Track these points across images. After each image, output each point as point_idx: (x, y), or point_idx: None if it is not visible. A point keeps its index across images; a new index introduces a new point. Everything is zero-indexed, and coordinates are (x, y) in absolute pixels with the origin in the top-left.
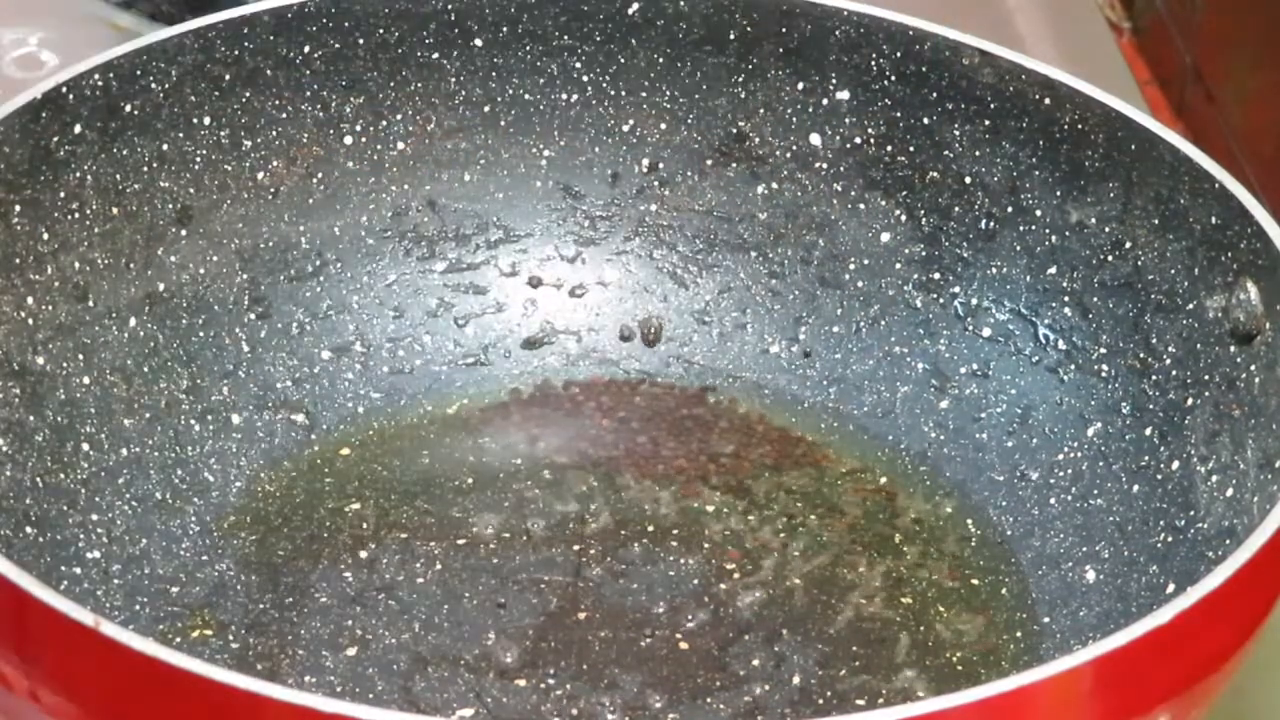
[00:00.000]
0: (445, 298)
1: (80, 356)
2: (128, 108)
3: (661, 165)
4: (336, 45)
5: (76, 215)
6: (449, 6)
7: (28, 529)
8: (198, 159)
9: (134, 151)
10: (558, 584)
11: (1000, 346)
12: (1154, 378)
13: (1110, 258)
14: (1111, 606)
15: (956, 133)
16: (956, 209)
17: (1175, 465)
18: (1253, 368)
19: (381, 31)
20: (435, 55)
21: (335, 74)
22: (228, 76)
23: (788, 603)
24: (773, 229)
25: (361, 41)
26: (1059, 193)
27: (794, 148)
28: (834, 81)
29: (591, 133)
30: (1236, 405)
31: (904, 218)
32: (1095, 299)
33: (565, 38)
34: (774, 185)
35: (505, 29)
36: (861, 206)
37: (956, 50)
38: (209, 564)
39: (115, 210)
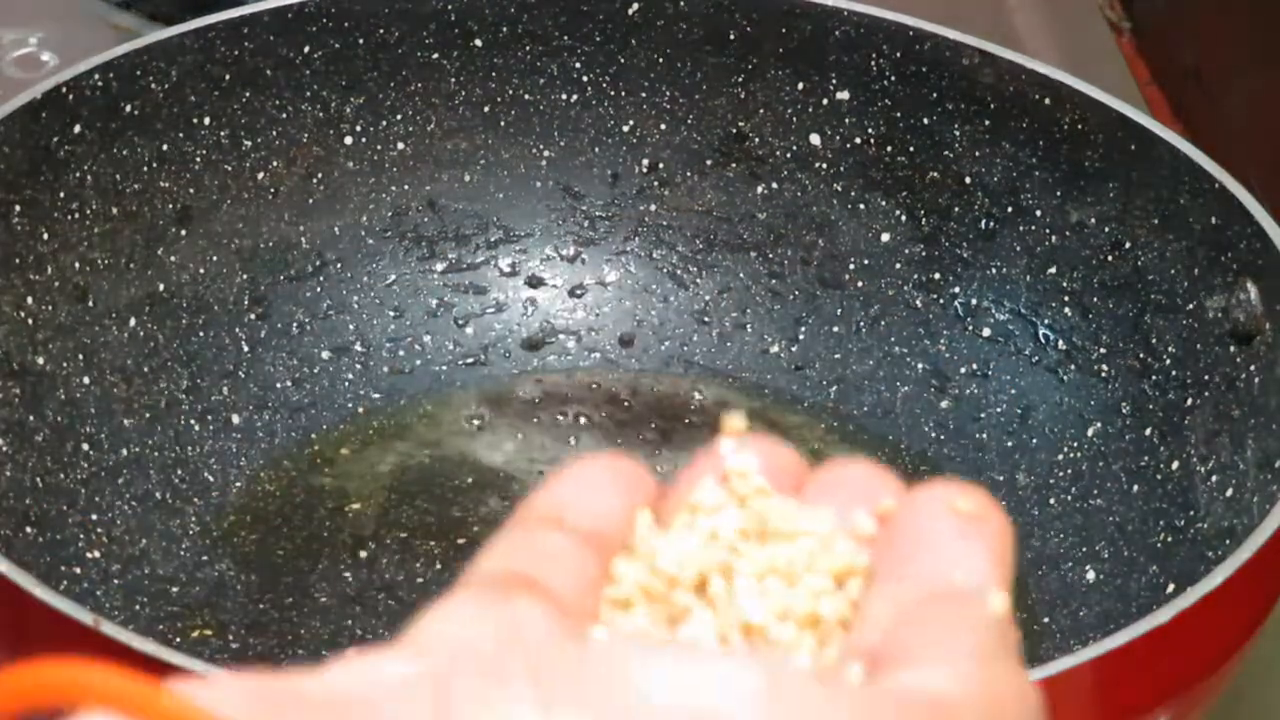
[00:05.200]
0: (445, 298)
1: (80, 356)
2: (128, 108)
3: (661, 165)
4: (336, 45)
5: (76, 215)
6: (449, 6)
7: (28, 529)
8: (198, 159)
9: (134, 151)
10: None
11: (1000, 346)
12: (1154, 378)
13: (1110, 258)
14: (1111, 606)
15: (956, 133)
16: (956, 209)
17: (1175, 465)
18: (1253, 368)
19: (381, 31)
20: (435, 55)
21: (335, 74)
22: (228, 76)
23: None
24: (773, 229)
25: (361, 41)
26: (1059, 193)
27: (794, 148)
28: (834, 81)
29: (591, 133)
30: (1236, 405)
31: (904, 218)
32: (1095, 299)
33: (565, 38)
34: (774, 185)
35: (505, 29)
36: (861, 206)
37: (956, 50)
38: (209, 564)
39: (115, 210)
